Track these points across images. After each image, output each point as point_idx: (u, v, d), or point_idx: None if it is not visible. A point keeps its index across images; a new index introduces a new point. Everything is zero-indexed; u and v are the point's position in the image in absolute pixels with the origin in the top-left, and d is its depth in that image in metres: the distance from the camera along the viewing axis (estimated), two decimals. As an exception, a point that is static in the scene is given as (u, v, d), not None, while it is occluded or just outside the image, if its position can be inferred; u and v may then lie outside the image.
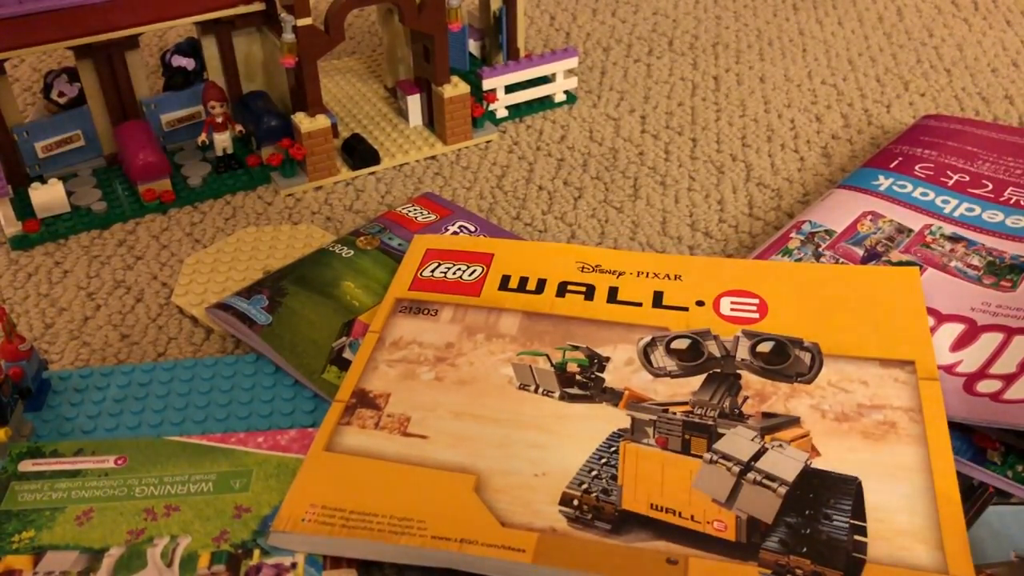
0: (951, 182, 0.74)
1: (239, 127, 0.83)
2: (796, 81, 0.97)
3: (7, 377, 0.56)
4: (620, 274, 0.65)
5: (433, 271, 0.66)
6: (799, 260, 0.67)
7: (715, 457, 0.51)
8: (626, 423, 0.54)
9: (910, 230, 0.69)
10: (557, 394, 0.56)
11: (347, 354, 0.61)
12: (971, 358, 0.57)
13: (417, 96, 0.87)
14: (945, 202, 0.72)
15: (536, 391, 0.57)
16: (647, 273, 0.65)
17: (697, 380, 0.56)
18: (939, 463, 0.50)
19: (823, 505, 0.48)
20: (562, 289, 0.64)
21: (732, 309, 0.61)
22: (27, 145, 0.79)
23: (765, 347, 0.58)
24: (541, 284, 0.65)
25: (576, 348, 0.59)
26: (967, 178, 0.75)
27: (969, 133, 0.81)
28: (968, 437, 0.54)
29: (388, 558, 0.48)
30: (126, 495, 0.52)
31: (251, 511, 0.51)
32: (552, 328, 0.61)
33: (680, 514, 0.49)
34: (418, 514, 0.49)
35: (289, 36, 0.75)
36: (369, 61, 1.00)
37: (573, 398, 0.56)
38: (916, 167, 0.76)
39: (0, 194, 0.73)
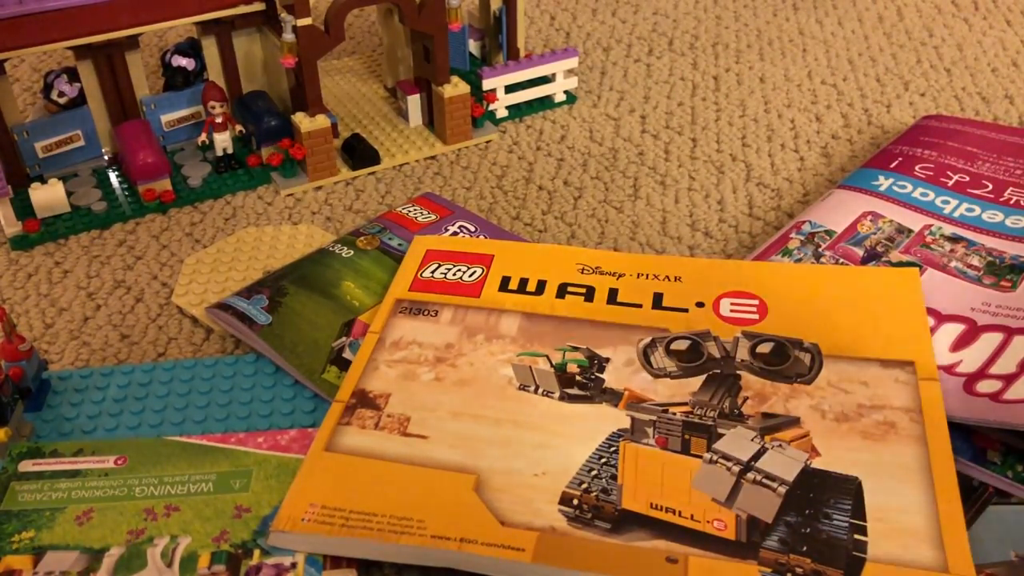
0: (951, 182, 0.74)
1: (239, 127, 0.83)
2: (796, 81, 0.97)
3: (7, 377, 0.56)
4: (620, 276, 0.65)
5: (433, 272, 0.66)
6: (799, 260, 0.67)
7: (715, 457, 0.51)
8: (626, 423, 0.54)
9: (910, 230, 0.69)
10: (557, 395, 0.56)
11: (347, 354, 0.61)
12: (971, 358, 0.57)
13: (417, 96, 0.87)
14: (945, 202, 0.72)
15: (536, 392, 0.57)
16: (647, 275, 0.65)
17: (697, 381, 0.57)
18: (939, 463, 0.50)
19: (823, 505, 0.48)
20: (562, 290, 0.64)
21: (732, 310, 0.61)
22: (27, 145, 0.79)
23: (765, 348, 0.58)
24: (541, 285, 0.65)
25: (576, 349, 0.59)
26: (967, 178, 0.75)
27: (969, 133, 0.81)
28: (968, 437, 0.54)
29: (388, 558, 0.48)
30: (126, 495, 0.52)
31: (251, 511, 0.51)
32: (552, 329, 0.61)
33: (680, 513, 0.49)
34: (418, 514, 0.49)
35: (289, 36, 0.75)
36: (369, 61, 1.00)
37: (573, 398, 0.56)
38: (916, 167, 0.76)
39: (0, 194, 0.73)
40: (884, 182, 0.75)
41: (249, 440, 0.55)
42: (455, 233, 0.72)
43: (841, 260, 0.67)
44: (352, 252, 0.69)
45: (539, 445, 0.53)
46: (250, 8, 0.80)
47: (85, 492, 0.52)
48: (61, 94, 0.85)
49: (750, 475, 0.50)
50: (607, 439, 0.53)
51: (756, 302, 0.62)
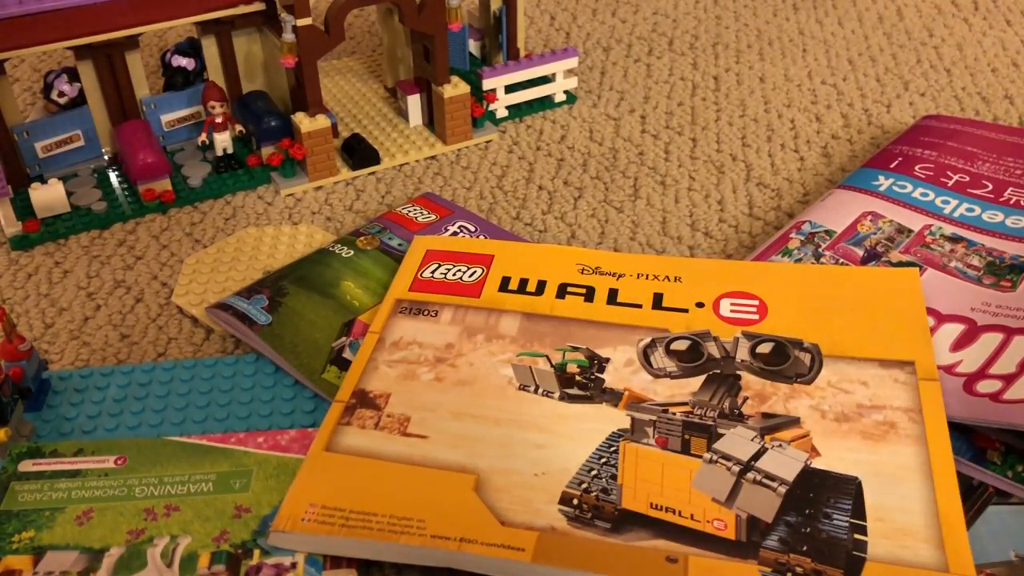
0: (951, 182, 0.74)
1: (239, 127, 0.83)
2: (796, 81, 0.97)
3: (7, 377, 0.56)
4: (620, 276, 0.65)
5: (433, 272, 0.66)
6: (799, 260, 0.67)
7: (715, 457, 0.51)
8: (626, 423, 0.54)
9: (910, 230, 0.69)
10: (557, 395, 0.56)
11: (347, 354, 0.61)
12: (971, 358, 0.57)
13: (417, 96, 0.87)
14: (945, 202, 0.72)
15: (536, 392, 0.57)
16: (647, 275, 0.65)
17: (697, 381, 0.57)
18: (939, 463, 0.50)
19: (823, 504, 0.48)
20: (562, 291, 0.64)
21: (732, 310, 0.61)
22: (27, 145, 0.79)
23: (765, 348, 0.58)
24: (541, 286, 0.65)
25: (576, 349, 0.59)
26: (967, 178, 0.75)
27: (969, 133, 0.81)
28: (968, 437, 0.54)
29: (388, 557, 0.48)
30: (126, 495, 0.52)
31: (251, 511, 0.51)
32: (552, 329, 0.61)
33: (680, 513, 0.49)
34: (418, 513, 0.49)
35: (289, 36, 0.75)
36: (369, 61, 1.00)
37: (573, 399, 0.56)
38: (916, 167, 0.76)
39: (0, 194, 0.73)
40: (884, 182, 0.75)
41: (249, 440, 0.55)
42: (455, 233, 0.72)
43: (841, 260, 0.67)
44: (352, 252, 0.69)
45: (539, 445, 0.53)
46: (250, 8, 0.80)
47: (85, 492, 0.52)
48: (61, 94, 0.85)
49: (750, 475, 0.50)
50: (607, 439, 0.53)
51: (756, 302, 0.62)
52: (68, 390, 0.61)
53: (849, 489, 0.49)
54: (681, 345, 0.59)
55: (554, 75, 0.91)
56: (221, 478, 0.53)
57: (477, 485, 0.51)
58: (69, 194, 0.78)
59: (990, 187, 0.74)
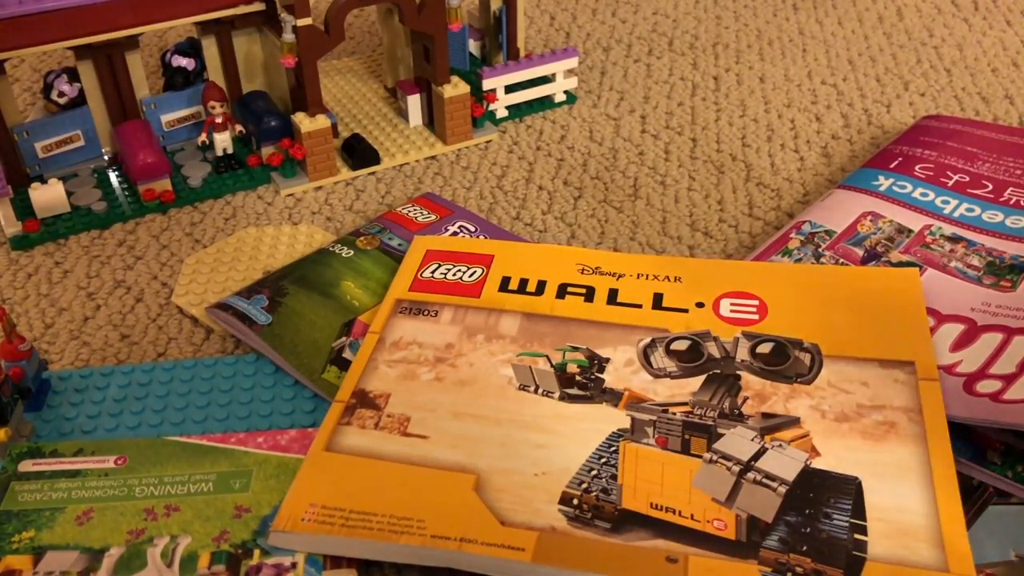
0: (951, 182, 0.74)
1: (239, 127, 0.83)
2: (796, 81, 0.97)
3: (7, 377, 0.56)
4: (620, 276, 0.65)
5: (433, 272, 0.66)
6: (799, 260, 0.67)
7: (715, 457, 0.51)
8: (626, 423, 0.54)
9: (910, 230, 0.69)
10: (557, 395, 0.56)
11: (347, 354, 0.61)
12: (971, 358, 0.57)
13: (417, 96, 0.87)
14: (945, 202, 0.72)
15: (536, 392, 0.57)
16: (647, 275, 0.65)
17: (697, 381, 0.57)
18: (939, 463, 0.50)
19: (823, 504, 0.48)
20: (562, 291, 0.64)
21: (732, 310, 0.61)
22: (27, 145, 0.79)
23: (765, 348, 0.58)
24: (541, 286, 0.65)
25: (576, 349, 0.59)
26: (967, 178, 0.75)
27: (969, 133, 0.81)
28: (968, 437, 0.54)
29: (388, 557, 0.48)
30: (126, 495, 0.52)
31: (251, 511, 0.51)
32: (552, 329, 0.61)
33: (680, 513, 0.49)
34: (418, 513, 0.49)
35: (289, 36, 0.75)
36: (369, 61, 1.00)
37: (573, 399, 0.56)
38: (916, 167, 0.76)
39: (0, 194, 0.73)
40: (884, 182, 0.75)
41: (249, 440, 0.55)
42: (455, 233, 0.72)
43: (841, 260, 0.67)
44: (352, 252, 0.69)
45: (539, 445, 0.53)
46: (250, 8, 0.80)
47: (85, 492, 0.52)
48: (61, 94, 0.85)
49: (750, 475, 0.50)
50: (607, 439, 0.53)
51: (756, 302, 0.62)
52: (68, 390, 0.61)
53: (849, 489, 0.49)
54: (681, 345, 0.59)
55: (554, 75, 0.91)
56: (221, 478, 0.53)
57: (477, 485, 0.51)
58: (69, 194, 0.78)
59: (990, 187, 0.74)
